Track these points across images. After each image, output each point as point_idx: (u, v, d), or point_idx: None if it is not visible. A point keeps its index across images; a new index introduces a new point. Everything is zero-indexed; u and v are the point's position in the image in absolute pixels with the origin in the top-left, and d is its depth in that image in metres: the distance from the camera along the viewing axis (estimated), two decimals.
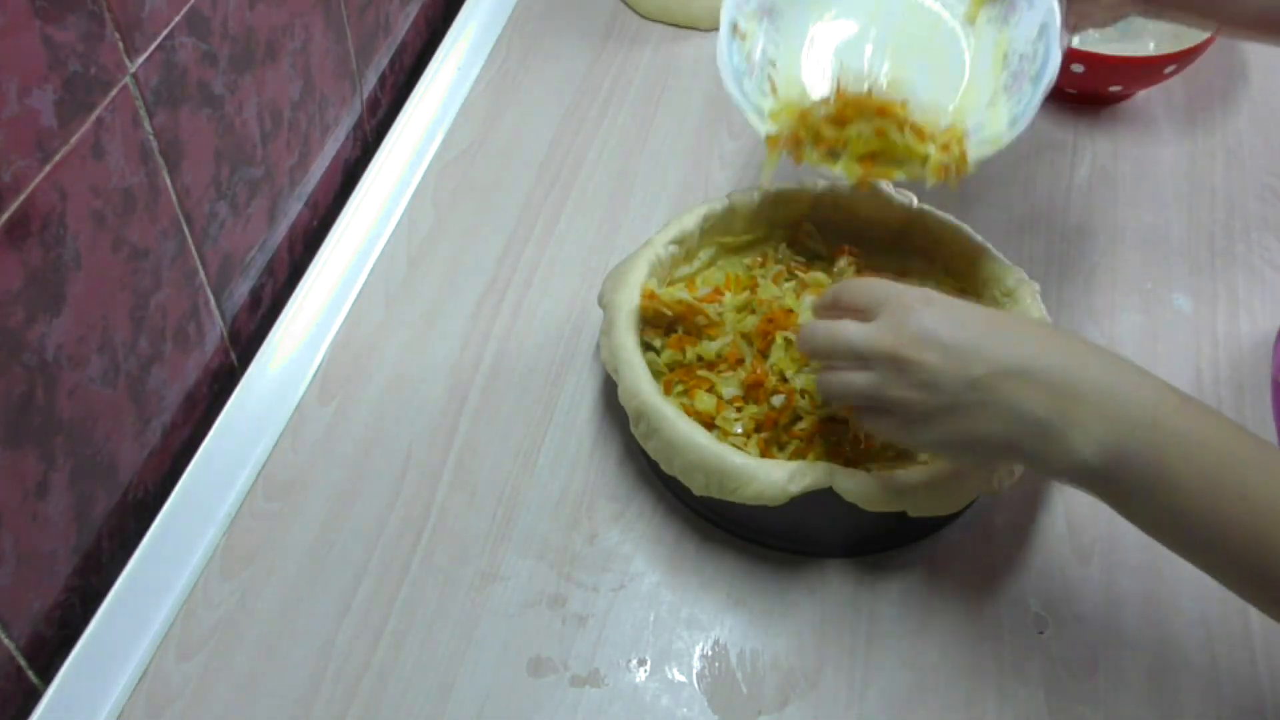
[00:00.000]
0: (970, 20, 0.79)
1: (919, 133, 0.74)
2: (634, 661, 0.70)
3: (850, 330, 0.63)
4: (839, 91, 0.75)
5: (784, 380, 0.74)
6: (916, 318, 0.61)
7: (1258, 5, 0.74)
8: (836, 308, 0.66)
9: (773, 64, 0.79)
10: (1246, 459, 0.56)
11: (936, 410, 0.60)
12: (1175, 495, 0.56)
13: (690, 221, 0.81)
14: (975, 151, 0.73)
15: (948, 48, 0.79)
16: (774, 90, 0.78)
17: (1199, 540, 0.56)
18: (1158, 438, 0.56)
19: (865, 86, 0.76)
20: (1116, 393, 0.57)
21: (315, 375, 0.83)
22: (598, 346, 0.83)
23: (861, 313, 0.64)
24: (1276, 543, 0.54)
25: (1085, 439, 0.57)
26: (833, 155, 0.75)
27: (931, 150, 0.73)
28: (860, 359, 0.62)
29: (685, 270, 0.83)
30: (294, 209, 0.92)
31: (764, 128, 0.76)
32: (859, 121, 0.75)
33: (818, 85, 0.78)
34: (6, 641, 0.66)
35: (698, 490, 0.70)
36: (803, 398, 0.73)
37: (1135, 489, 0.57)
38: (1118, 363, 0.59)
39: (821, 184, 0.84)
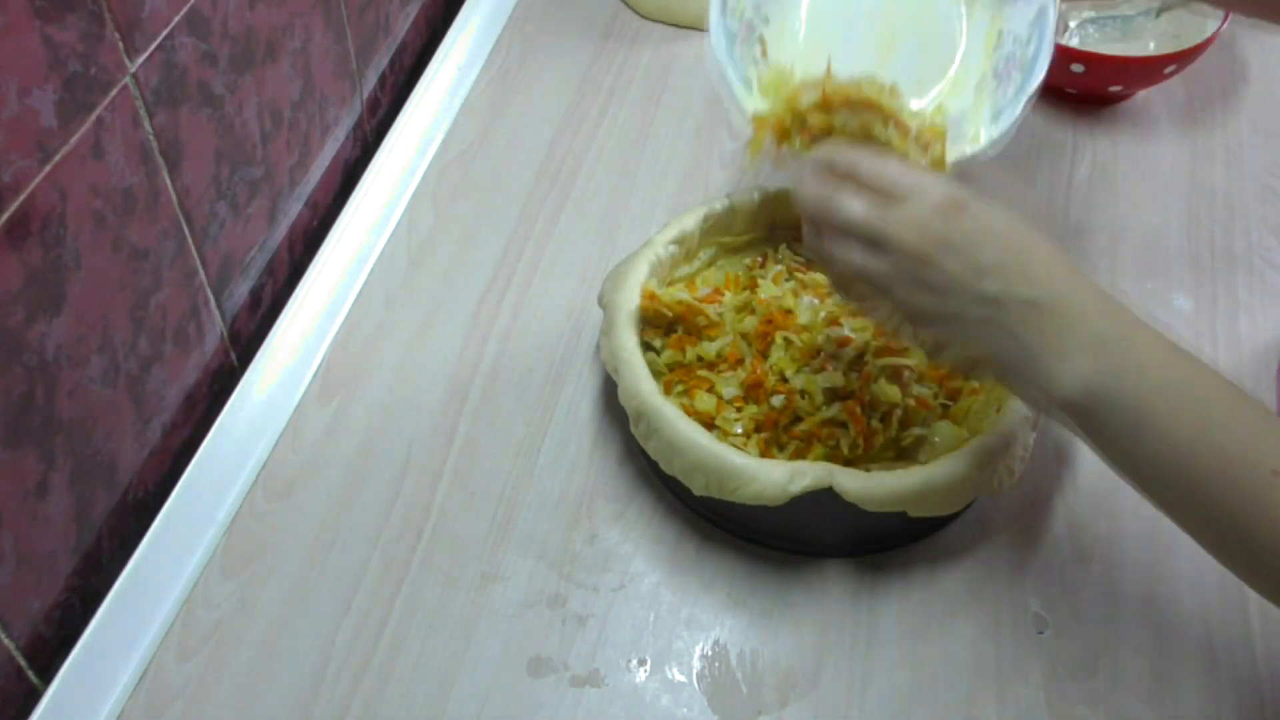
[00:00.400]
0: None
1: (903, 130, 0.73)
2: (634, 661, 0.70)
3: (870, 210, 0.60)
4: (828, 76, 0.74)
5: (784, 380, 0.74)
6: (947, 220, 0.59)
7: None
8: (850, 178, 0.62)
9: (765, 21, 0.78)
10: (1228, 413, 0.56)
11: (939, 315, 0.60)
12: (1154, 441, 0.56)
13: (690, 221, 0.81)
14: (955, 152, 0.72)
15: (942, 20, 0.78)
16: (764, 53, 0.76)
17: (1172, 487, 0.57)
18: (1143, 384, 0.56)
19: (852, 74, 0.74)
20: (1113, 335, 0.58)
21: (315, 375, 0.83)
22: (598, 346, 0.83)
23: (878, 193, 0.61)
24: (1247, 495, 0.54)
25: (1071, 374, 0.57)
26: (815, 143, 0.75)
27: (911, 152, 0.73)
28: (875, 244, 0.60)
29: (685, 270, 0.83)
30: (294, 209, 0.92)
31: (750, 105, 0.75)
32: (845, 111, 0.74)
33: (809, 56, 0.76)
34: (6, 641, 0.66)
35: (698, 490, 0.70)
36: (803, 398, 0.73)
37: (1113, 430, 0.57)
38: (1119, 307, 0.60)
39: None
